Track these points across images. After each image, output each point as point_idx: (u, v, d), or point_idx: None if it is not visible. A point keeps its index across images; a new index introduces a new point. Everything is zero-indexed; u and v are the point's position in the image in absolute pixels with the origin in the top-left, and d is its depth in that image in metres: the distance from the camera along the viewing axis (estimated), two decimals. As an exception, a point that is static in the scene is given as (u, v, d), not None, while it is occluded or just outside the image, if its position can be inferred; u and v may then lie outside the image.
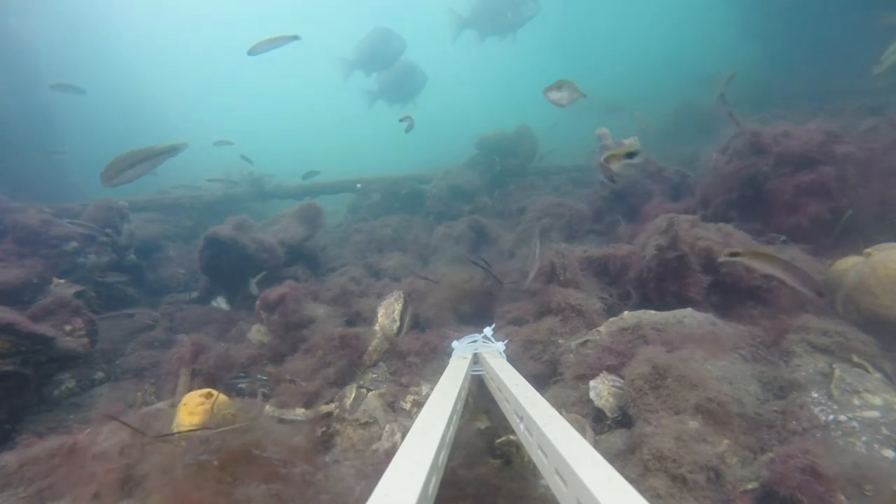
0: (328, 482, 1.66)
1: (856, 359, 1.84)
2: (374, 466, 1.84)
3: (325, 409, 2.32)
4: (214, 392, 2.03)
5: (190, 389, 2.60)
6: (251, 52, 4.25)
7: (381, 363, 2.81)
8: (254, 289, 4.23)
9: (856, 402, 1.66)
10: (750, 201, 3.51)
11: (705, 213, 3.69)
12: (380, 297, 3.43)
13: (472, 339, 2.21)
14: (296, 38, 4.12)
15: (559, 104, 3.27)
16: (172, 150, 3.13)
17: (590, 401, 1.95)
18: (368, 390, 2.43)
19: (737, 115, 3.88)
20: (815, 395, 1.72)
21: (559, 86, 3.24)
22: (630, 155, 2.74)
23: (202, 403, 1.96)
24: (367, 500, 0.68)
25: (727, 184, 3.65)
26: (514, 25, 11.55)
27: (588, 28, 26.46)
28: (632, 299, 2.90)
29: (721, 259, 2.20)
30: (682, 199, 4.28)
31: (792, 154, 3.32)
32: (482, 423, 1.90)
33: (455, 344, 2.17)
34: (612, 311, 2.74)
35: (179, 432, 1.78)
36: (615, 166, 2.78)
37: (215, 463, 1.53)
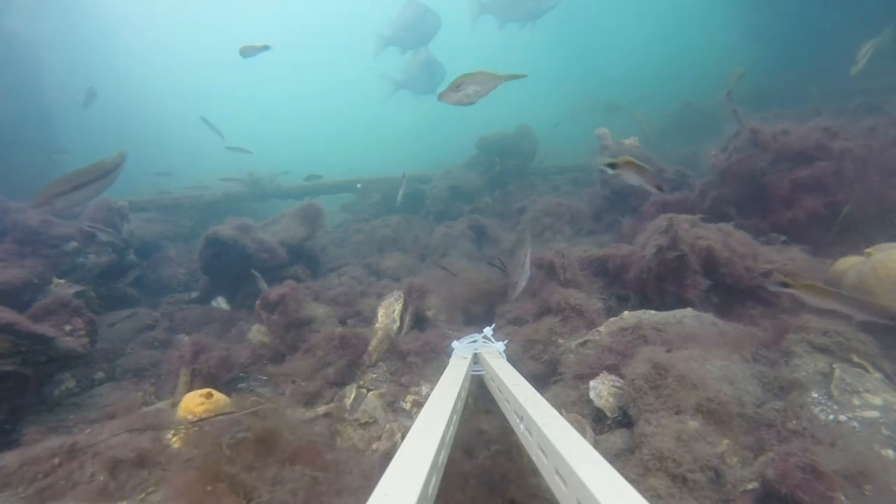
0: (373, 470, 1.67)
1: (856, 359, 1.84)
2: (374, 466, 1.84)
3: (324, 409, 2.32)
4: (214, 392, 2.03)
5: (190, 389, 2.60)
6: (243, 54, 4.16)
7: (381, 363, 2.81)
8: (262, 284, 4.24)
9: (856, 402, 1.66)
10: (747, 197, 3.52)
11: (702, 207, 3.70)
12: (380, 297, 3.43)
13: (472, 340, 2.21)
14: (266, 48, 4.12)
15: (464, 104, 2.81)
16: (119, 166, 2.65)
17: (590, 401, 1.95)
18: (368, 390, 2.44)
19: (740, 113, 3.89)
20: (815, 395, 1.72)
21: (458, 85, 2.75)
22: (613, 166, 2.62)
23: (202, 403, 1.96)
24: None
25: (725, 179, 3.67)
26: (535, 14, 11.45)
27: (590, 28, 26.48)
28: (631, 299, 2.90)
29: (771, 287, 2.17)
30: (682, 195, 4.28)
31: (790, 150, 3.34)
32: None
33: (455, 344, 2.17)
34: (611, 311, 2.74)
35: (218, 415, 1.79)
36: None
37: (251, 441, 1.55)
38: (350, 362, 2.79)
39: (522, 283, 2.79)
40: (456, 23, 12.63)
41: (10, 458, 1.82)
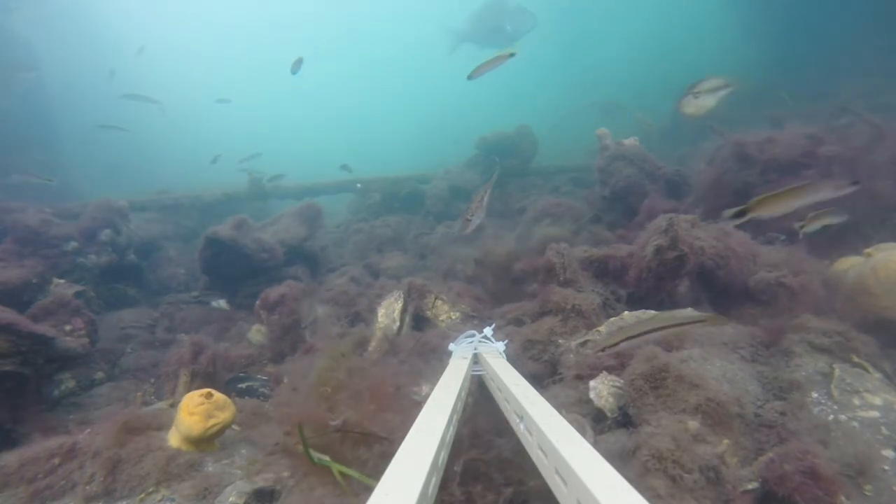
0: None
1: (856, 359, 1.84)
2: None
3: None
4: (214, 392, 2.03)
5: (190, 389, 2.60)
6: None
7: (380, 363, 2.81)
8: None
9: (856, 402, 1.66)
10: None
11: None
12: (379, 296, 3.43)
13: (469, 335, 2.21)
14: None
15: None
16: None
17: (590, 401, 1.94)
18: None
19: (719, 129, 3.92)
20: (815, 395, 1.72)
21: None
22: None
23: (202, 403, 1.95)
24: None
25: (716, 191, 3.70)
26: (513, 38, 11.68)
27: (589, 27, 26.46)
28: (631, 299, 2.90)
29: (726, 219, 2.13)
30: (679, 200, 4.30)
31: (777, 160, 3.39)
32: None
33: (452, 346, 2.17)
34: (611, 311, 2.74)
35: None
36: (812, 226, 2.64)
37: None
38: (350, 362, 2.79)
39: (476, 222, 2.70)
40: (457, 23, 12.71)
41: (10, 458, 1.82)
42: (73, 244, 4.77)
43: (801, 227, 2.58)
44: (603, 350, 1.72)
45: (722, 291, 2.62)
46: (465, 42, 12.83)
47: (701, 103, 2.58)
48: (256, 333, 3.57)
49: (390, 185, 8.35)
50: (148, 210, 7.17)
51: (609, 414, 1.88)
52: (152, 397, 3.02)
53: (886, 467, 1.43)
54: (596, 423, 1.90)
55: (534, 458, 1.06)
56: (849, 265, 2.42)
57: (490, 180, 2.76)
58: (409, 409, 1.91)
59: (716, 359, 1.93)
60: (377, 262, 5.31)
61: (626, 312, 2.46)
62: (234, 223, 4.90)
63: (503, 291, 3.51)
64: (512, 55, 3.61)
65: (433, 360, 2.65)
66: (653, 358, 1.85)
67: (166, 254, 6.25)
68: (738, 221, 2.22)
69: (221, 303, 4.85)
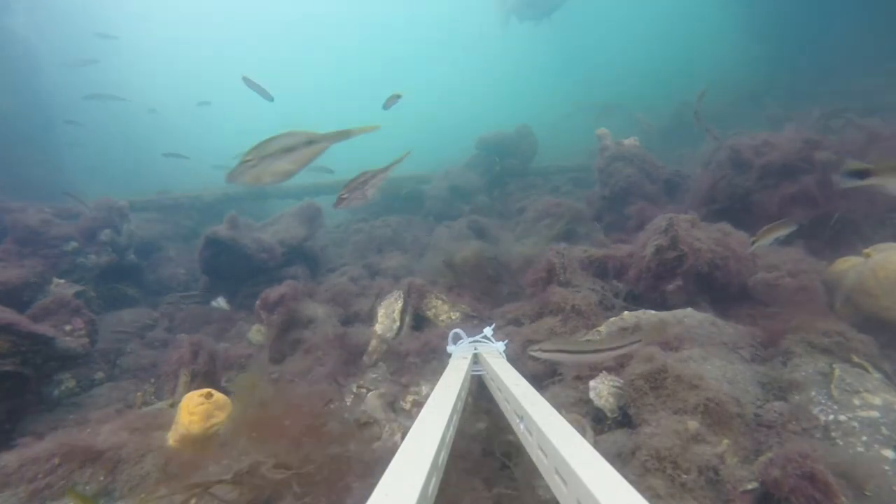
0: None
1: (856, 359, 1.84)
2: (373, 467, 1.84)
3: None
4: (214, 392, 2.03)
5: (190, 389, 2.60)
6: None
7: (381, 363, 2.81)
8: None
9: (856, 402, 1.66)
10: (736, 212, 3.55)
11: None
12: (379, 297, 3.43)
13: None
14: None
15: None
16: None
17: (589, 401, 1.95)
18: (368, 390, 2.44)
19: (715, 131, 3.92)
20: (814, 395, 1.72)
21: None
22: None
23: (202, 403, 1.96)
24: None
25: (712, 196, 3.70)
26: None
27: (590, 27, 26.47)
28: (631, 299, 2.90)
29: (843, 182, 1.93)
30: (678, 203, 4.33)
31: (774, 165, 3.39)
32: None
33: (450, 348, 2.18)
34: (611, 311, 2.74)
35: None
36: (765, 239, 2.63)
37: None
38: (349, 362, 2.79)
39: (356, 202, 2.49)
40: (459, 24, 12.74)
41: (10, 458, 1.82)
42: (73, 244, 4.77)
43: (753, 242, 2.56)
44: (535, 351, 1.69)
45: (721, 291, 2.63)
46: (510, 14, 12.93)
47: (266, 170, 1.92)
48: (256, 333, 3.58)
49: (390, 185, 8.34)
50: (148, 210, 7.17)
51: (609, 414, 1.88)
52: (152, 397, 3.02)
53: (886, 467, 1.43)
54: (596, 423, 1.90)
55: (534, 458, 1.06)
56: (848, 266, 2.42)
57: (393, 162, 2.51)
58: (340, 432, 1.83)
59: (715, 359, 1.93)
60: (377, 262, 5.30)
61: (625, 312, 2.46)
62: (229, 221, 4.89)
63: (486, 290, 3.55)
64: (399, 97, 4.85)
65: (433, 359, 2.66)
66: (652, 358, 1.86)
67: (166, 254, 6.25)
68: (854, 183, 1.97)
69: (221, 303, 4.85)
